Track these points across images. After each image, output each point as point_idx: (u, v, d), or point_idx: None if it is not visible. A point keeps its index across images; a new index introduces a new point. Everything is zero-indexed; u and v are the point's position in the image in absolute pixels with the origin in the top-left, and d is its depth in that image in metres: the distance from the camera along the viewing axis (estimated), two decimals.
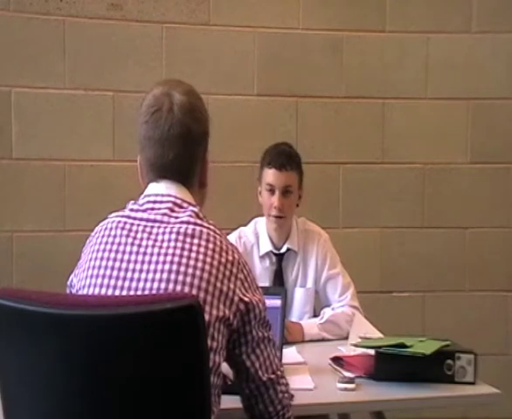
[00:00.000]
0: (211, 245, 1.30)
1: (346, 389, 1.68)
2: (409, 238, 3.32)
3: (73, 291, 1.36)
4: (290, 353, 1.96)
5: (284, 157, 2.31)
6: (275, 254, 2.39)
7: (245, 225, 2.45)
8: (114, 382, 1.14)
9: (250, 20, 3.20)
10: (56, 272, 2.76)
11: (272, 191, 2.31)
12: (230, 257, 1.32)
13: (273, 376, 1.40)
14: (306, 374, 1.78)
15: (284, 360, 1.81)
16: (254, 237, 2.40)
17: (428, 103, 3.33)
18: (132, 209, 1.37)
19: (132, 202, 1.40)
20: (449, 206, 3.35)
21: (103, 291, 1.28)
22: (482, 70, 3.34)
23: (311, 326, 2.25)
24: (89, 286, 1.30)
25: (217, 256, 1.30)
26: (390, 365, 1.75)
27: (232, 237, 2.36)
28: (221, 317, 1.27)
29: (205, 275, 1.27)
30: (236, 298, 1.30)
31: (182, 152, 1.37)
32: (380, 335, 2.09)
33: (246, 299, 1.32)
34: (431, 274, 3.32)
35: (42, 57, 3.01)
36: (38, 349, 1.16)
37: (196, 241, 1.30)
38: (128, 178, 3.23)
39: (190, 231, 1.30)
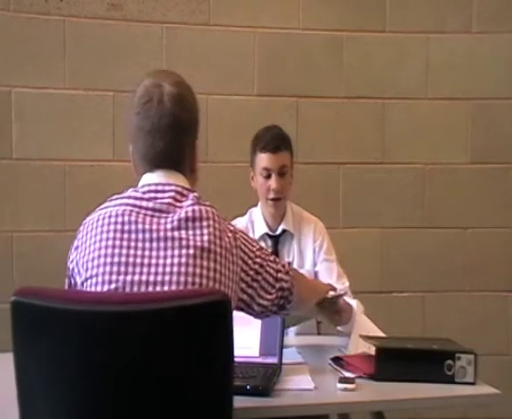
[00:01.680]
0: (217, 225, 1.37)
1: (346, 389, 1.68)
2: (409, 238, 3.32)
3: (81, 279, 1.34)
4: (290, 354, 1.96)
5: (277, 139, 2.32)
6: (271, 236, 2.39)
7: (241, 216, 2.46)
8: (140, 379, 1.14)
9: (250, 20, 3.20)
10: (56, 272, 2.76)
11: (268, 175, 2.31)
12: (230, 235, 1.39)
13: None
14: (306, 375, 1.78)
15: (284, 360, 1.81)
16: (250, 225, 2.41)
17: (428, 103, 3.33)
18: (136, 198, 1.38)
19: (132, 189, 1.41)
20: (449, 206, 3.35)
21: (114, 279, 1.28)
22: (482, 70, 3.34)
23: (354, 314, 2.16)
24: (103, 275, 1.29)
25: (220, 234, 1.36)
26: (390, 365, 1.75)
27: None
28: (233, 297, 1.36)
29: (218, 266, 1.33)
30: (238, 282, 1.40)
31: (172, 141, 1.42)
32: (382, 334, 2.08)
33: (249, 275, 1.43)
34: (431, 274, 3.32)
35: (42, 57, 3.01)
36: (62, 347, 1.15)
37: (204, 223, 1.35)
38: (128, 178, 3.23)
39: (197, 214, 1.35)
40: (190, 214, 1.35)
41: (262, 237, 2.39)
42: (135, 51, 3.10)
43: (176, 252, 1.31)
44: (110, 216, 1.35)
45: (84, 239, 1.37)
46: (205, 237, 1.33)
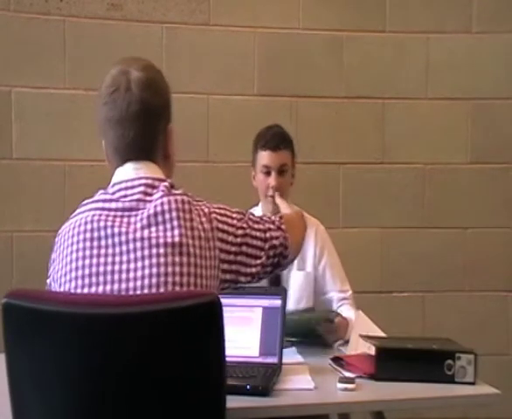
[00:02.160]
0: (187, 215, 1.31)
1: (346, 389, 1.67)
2: (409, 238, 3.32)
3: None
4: (290, 354, 1.96)
5: (278, 138, 2.33)
6: None
7: None
8: (135, 382, 1.13)
9: (250, 20, 3.20)
10: None
11: (268, 173, 2.32)
12: (204, 219, 1.33)
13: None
14: (306, 374, 1.78)
15: (284, 360, 1.81)
16: None
17: (428, 103, 3.33)
18: (105, 200, 1.34)
19: (101, 191, 1.37)
20: (449, 206, 3.35)
21: (86, 292, 1.25)
22: (482, 70, 3.34)
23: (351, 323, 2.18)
24: (75, 289, 1.26)
25: (191, 225, 1.30)
26: (390, 365, 1.75)
27: None
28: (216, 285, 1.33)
29: (192, 258, 1.28)
30: (219, 265, 1.35)
31: (142, 129, 1.36)
32: (383, 334, 2.08)
33: (230, 253, 1.37)
34: (431, 274, 3.32)
35: (42, 57, 3.01)
36: (54, 350, 1.15)
37: (174, 214, 1.29)
38: None
39: (166, 207, 1.29)
40: (158, 208, 1.29)
41: None
42: (135, 51, 3.04)
43: (146, 253, 1.25)
44: (80, 225, 1.30)
45: (58, 252, 1.34)
46: (176, 231, 1.27)
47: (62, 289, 1.28)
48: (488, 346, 3.05)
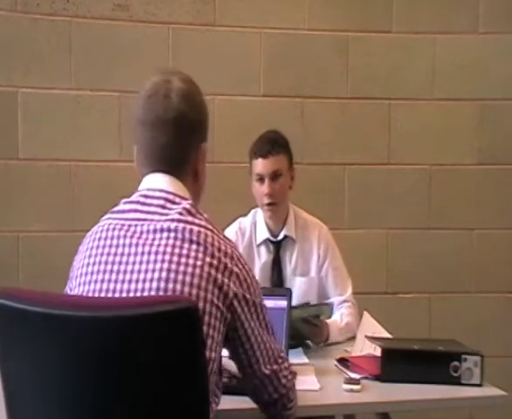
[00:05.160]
0: (202, 242, 1.26)
1: (352, 390, 1.67)
2: (415, 239, 3.31)
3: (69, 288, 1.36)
4: (296, 354, 1.96)
5: (268, 144, 2.30)
6: (272, 242, 2.38)
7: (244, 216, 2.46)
8: (113, 382, 1.13)
9: (256, 21, 3.19)
10: (62, 273, 2.76)
11: (261, 180, 2.30)
12: (222, 253, 1.28)
13: (275, 367, 1.38)
14: (311, 375, 1.78)
15: (289, 361, 1.81)
16: (253, 227, 2.40)
17: (435, 104, 3.32)
18: (124, 211, 1.33)
19: (124, 200, 1.36)
20: (455, 207, 3.34)
21: (97, 294, 1.26)
22: (489, 70, 3.32)
23: (334, 328, 2.22)
24: (82, 293, 1.28)
25: (208, 252, 1.26)
26: (396, 366, 1.75)
27: (232, 229, 2.38)
28: (215, 314, 1.25)
29: (197, 270, 1.24)
30: (230, 293, 1.27)
31: (175, 138, 1.34)
32: (388, 335, 2.08)
33: (240, 294, 1.29)
34: (437, 275, 3.31)
35: (48, 57, 3.02)
36: (38, 350, 1.15)
37: (187, 239, 1.25)
38: (135, 178, 3.23)
39: (180, 229, 1.26)
40: (172, 227, 1.26)
41: (264, 243, 2.39)
42: (141, 52, 3.10)
43: (151, 266, 1.24)
44: (96, 233, 1.33)
45: (75, 259, 1.37)
46: (184, 252, 1.25)
47: (78, 292, 1.30)
48: (495, 347, 3.03)
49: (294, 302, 2.30)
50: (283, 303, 1.89)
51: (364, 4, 3.29)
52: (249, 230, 2.39)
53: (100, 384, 1.13)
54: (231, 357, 1.38)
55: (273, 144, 2.31)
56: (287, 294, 1.92)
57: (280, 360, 1.40)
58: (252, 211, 2.44)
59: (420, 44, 3.31)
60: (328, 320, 2.24)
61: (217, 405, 1.32)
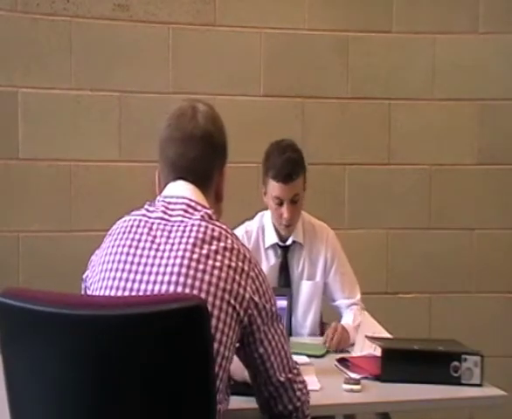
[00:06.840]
0: (222, 244, 1.31)
1: (352, 390, 1.67)
2: (415, 239, 3.31)
3: (87, 284, 1.38)
4: (296, 354, 1.95)
5: (288, 166, 2.23)
6: (280, 246, 2.38)
7: (250, 219, 2.45)
8: (120, 381, 1.14)
9: (256, 21, 3.19)
10: (62, 272, 2.77)
11: (280, 202, 2.27)
12: (241, 257, 1.32)
13: (290, 375, 1.40)
14: (312, 375, 1.78)
15: None
16: (260, 231, 2.40)
17: (435, 104, 3.32)
18: (148, 210, 1.38)
19: (148, 203, 1.40)
20: (456, 207, 3.34)
21: (113, 292, 1.28)
22: (489, 71, 3.33)
23: (351, 330, 2.19)
24: (102, 280, 1.31)
25: (227, 254, 1.30)
26: (396, 366, 1.75)
27: (239, 232, 2.36)
28: (231, 314, 1.27)
29: (216, 271, 1.27)
30: (247, 296, 1.30)
31: (202, 154, 1.41)
32: (388, 335, 2.08)
33: (256, 299, 1.32)
34: (437, 275, 3.31)
35: (48, 57, 3.02)
36: (43, 349, 1.16)
37: (207, 241, 1.30)
38: (134, 178, 3.23)
39: (202, 231, 1.31)
40: (194, 229, 1.31)
41: (272, 246, 2.39)
42: (141, 52, 3.10)
43: (169, 269, 1.28)
44: (122, 227, 1.36)
45: (101, 246, 1.39)
46: (204, 252, 1.29)
47: (98, 279, 1.33)
48: (495, 347, 3.03)
49: (300, 307, 2.34)
50: (283, 303, 1.89)
51: (364, 4, 3.28)
52: (256, 233, 2.39)
53: (101, 384, 1.13)
54: (246, 364, 1.39)
55: (293, 167, 2.25)
56: (287, 294, 1.92)
57: (295, 371, 1.42)
58: (259, 215, 2.44)
59: (420, 44, 3.31)
60: (343, 323, 2.21)
61: (226, 406, 1.33)
